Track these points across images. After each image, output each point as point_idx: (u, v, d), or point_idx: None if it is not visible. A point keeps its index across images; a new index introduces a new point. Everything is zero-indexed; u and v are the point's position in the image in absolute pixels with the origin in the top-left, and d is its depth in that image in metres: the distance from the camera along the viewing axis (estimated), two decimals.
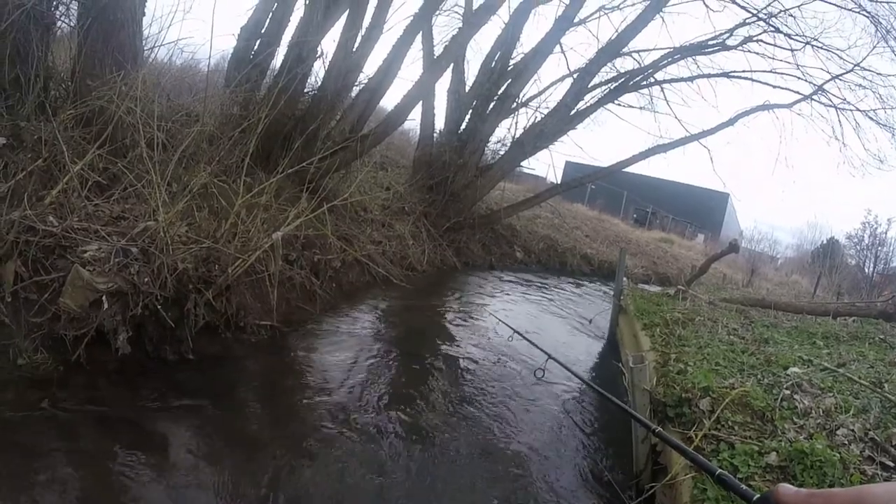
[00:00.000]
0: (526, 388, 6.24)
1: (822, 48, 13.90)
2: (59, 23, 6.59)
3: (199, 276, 5.41)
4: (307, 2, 9.56)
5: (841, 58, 13.81)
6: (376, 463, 4.31)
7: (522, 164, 17.25)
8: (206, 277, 5.49)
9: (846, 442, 3.47)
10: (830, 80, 14.14)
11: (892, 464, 3.28)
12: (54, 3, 6.31)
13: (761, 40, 14.58)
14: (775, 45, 14.49)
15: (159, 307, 4.88)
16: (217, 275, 5.56)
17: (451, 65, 14.47)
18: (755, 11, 14.05)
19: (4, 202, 4.70)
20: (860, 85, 13.86)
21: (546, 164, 76.53)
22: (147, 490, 3.49)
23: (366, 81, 10.64)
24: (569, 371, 4.65)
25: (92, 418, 4.06)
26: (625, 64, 16.01)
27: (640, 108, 16.86)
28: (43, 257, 4.62)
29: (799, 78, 14.68)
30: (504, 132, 17.09)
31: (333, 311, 7.86)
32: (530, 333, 8.95)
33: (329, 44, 10.10)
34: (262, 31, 10.23)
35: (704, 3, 14.73)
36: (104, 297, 4.54)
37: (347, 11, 9.84)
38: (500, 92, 15.33)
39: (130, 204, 5.64)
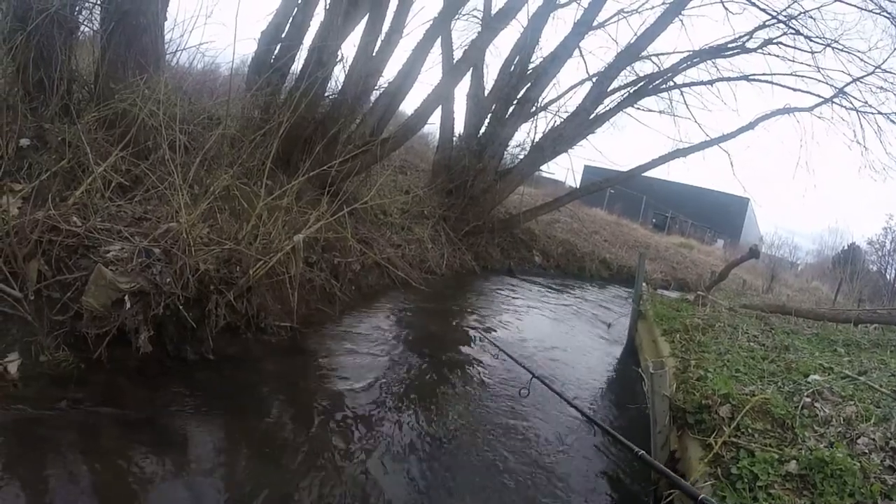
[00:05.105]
0: (541, 392, 6.20)
1: (842, 50, 13.72)
2: (82, 27, 6.68)
3: (221, 278, 5.44)
4: (327, 6, 9.62)
5: (862, 60, 13.63)
6: (392, 466, 4.32)
7: (541, 168, 17.18)
8: (228, 278, 5.52)
9: (867, 451, 3.42)
10: (851, 82, 13.95)
11: None
12: (78, 7, 6.40)
13: (781, 43, 14.43)
14: (795, 48, 14.34)
15: (181, 307, 4.91)
16: (238, 276, 5.59)
17: (471, 69, 14.48)
18: (775, 13, 13.90)
19: (29, 202, 4.76)
20: (882, 87, 13.66)
21: (565, 169, 76.41)
22: (165, 489, 3.51)
23: (385, 85, 10.70)
24: (555, 392, 4.69)
25: (111, 416, 4.10)
26: (644, 67, 15.95)
27: (660, 111, 16.75)
28: (66, 256, 4.67)
29: (819, 81, 14.50)
30: (523, 136, 17.11)
31: (352, 313, 7.88)
32: (547, 338, 9.00)
33: (349, 48, 10.15)
34: (283, 35, 10.32)
35: (724, 5, 14.64)
36: (126, 297, 4.58)
37: (367, 16, 9.90)
38: (519, 96, 15.31)
39: (153, 205, 5.70)
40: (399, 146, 12.46)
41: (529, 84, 15.25)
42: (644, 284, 10.19)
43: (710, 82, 15.54)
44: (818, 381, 4.62)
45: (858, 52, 13.69)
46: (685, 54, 15.40)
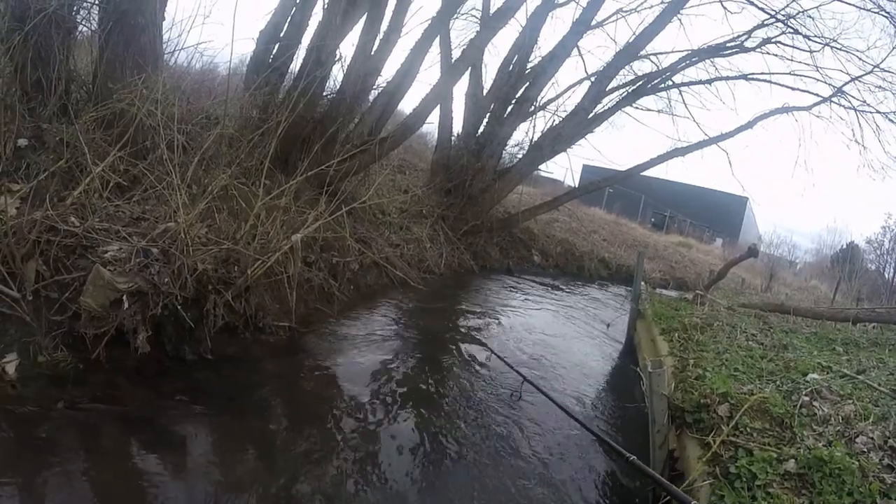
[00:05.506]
0: (537, 393, 6.19)
1: (841, 49, 13.74)
2: (80, 27, 6.67)
3: (219, 277, 5.44)
4: (326, 6, 9.61)
5: (860, 59, 13.66)
6: (388, 466, 4.32)
7: (540, 167, 17.18)
8: (226, 278, 5.52)
9: (865, 450, 3.41)
10: (850, 81, 13.97)
11: None
12: (76, 7, 6.39)
13: (780, 42, 14.45)
14: (794, 47, 14.37)
15: (179, 307, 4.92)
16: (236, 276, 5.59)
17: (469, 68, 14.49)
18: (774, 13, 13.92)
19: (27, 202, 4.76)
20: (880, 87, 13.69)
21: (563, 168, 76.48)
22: (163, 488, 3.51)
23: (384, 85, 10.69)
24: (546, 396, 4.68)
25: (110, 416, 4.10)
26: (642, 67, 15.97)
27: (658, 111, 16.78)
28: (64, 257, 4.67)
29: (818, 80, 14.55)
30: (522, 135, 17.07)
31: (351, 312, 7.88)
32: (546, 337, 9.00)
33: (348, 47, 10.14)
34: (281, 35, 10.29)
35: (722, 4, 14.65)
36: (124, 297, 4.58)
37: (366, 15, 9.88)
38: (517, 95, 15.29)
39: (151, 205, 5.70)
40: (397, 145, 12.45)
41: (528, 83, 15.23)
42: (643, 283, 10.18)
43: (709, 81, 15.58)
44: (817, 379, 4.61)
45: (857, 51, 13.73)
46: (684, 53, 15.44)
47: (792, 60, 14.62)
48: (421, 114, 11.98)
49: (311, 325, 6.85)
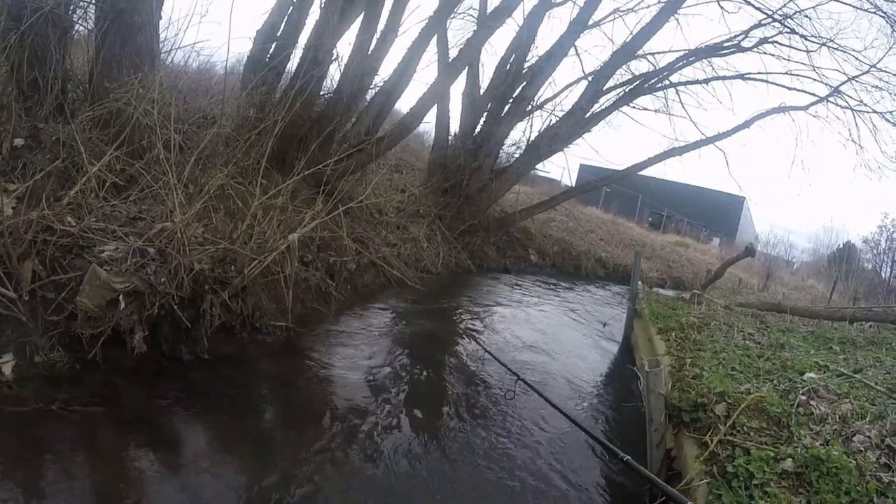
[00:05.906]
0: (533, 392, 6.19)
1: (838, 49, 13.76)
2: (76, 26, 6.65)
3: (216, 277, 5.44)
4: (322, 5, 9.59)
5: (857, 59, 13.69)
6: (384, 466, 4.32)
7: (537, 166, 17.18)
8: (223, 278, 5.51)
9: (862, 448, 3.42)
10: (846, 81, 14.00)
11: None
12: (72, 6, 6.37)
13: (777, 41, 14.46)
14: (790, 47, 14.38)
15: (175, 307, 4.91)
16: (233, 276, 5.58)
17: (466, 68, 14.49)
18: (770, 12, 13.94)
19: (23, 202, 4.74)
20: (877, 87, 13.72)
21: (561, 167, 76.50)
22: (160, 488, 3.51)
23: (381, 84, 10.66)
24: (540, 396, 4.66)
25: (107, 416, 4.09)
26: (640, 66, 15.99)
27: (655, 110, 16.82)
28: (60, 257, 4.66)
29: (815, 80, 14.56)
30: (519, 135, 17.03)
31: (348, 312, 7.88)
32: (543, 337, 9.00)
33: (345, 47, 10.11)
34: (278, 34, 10.29)
35: (719, 4, 14.67)
36: (121, 297, 4.57)
37: (363, 14, 9.86)
38: (514, 95, 15.27)
39: (147, 205, 5.68)
40: (394, 145, 12.42)
41: (525, 83, 15.20)
42: (640, 283, 10.19)
43: (706, 81, 15.59)
44: (814, 378, 4.62)
45: (854, 51, 13.75)
46: (681, 53, 15.43)
47: (789, 60, 14.67)
48: (418, 113, 11.95)
49: (308, 324, 6.84)
